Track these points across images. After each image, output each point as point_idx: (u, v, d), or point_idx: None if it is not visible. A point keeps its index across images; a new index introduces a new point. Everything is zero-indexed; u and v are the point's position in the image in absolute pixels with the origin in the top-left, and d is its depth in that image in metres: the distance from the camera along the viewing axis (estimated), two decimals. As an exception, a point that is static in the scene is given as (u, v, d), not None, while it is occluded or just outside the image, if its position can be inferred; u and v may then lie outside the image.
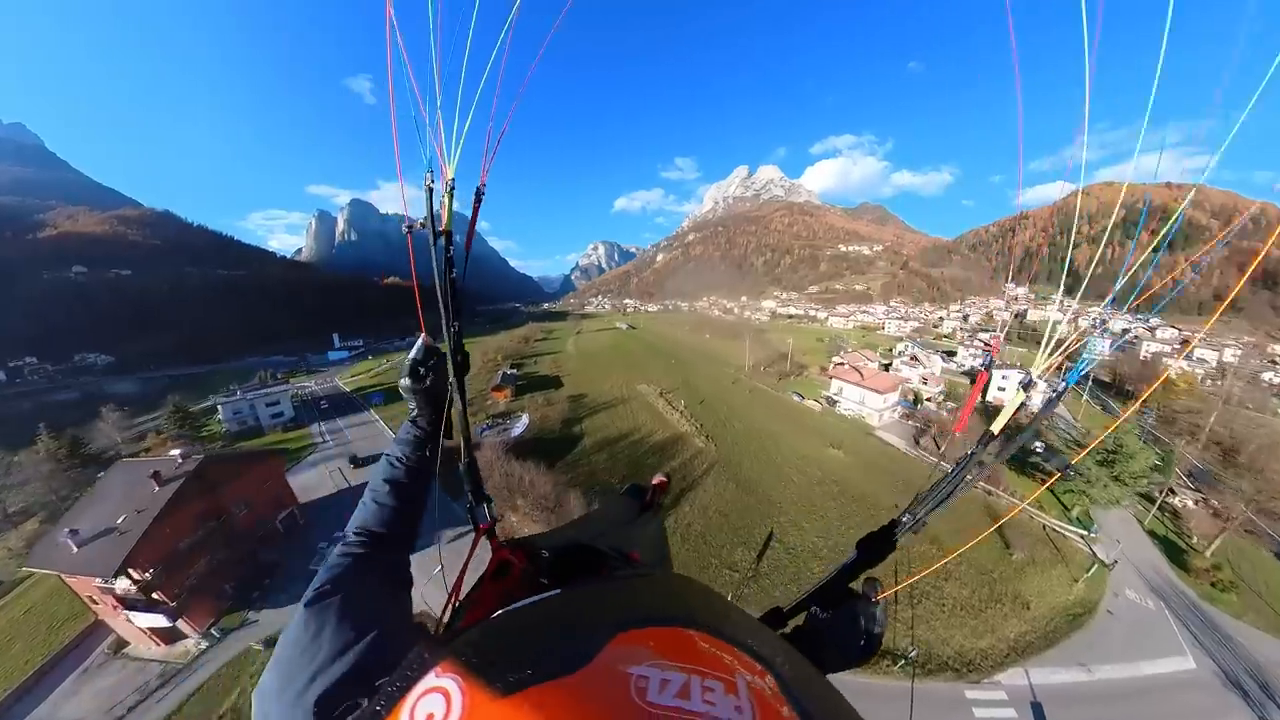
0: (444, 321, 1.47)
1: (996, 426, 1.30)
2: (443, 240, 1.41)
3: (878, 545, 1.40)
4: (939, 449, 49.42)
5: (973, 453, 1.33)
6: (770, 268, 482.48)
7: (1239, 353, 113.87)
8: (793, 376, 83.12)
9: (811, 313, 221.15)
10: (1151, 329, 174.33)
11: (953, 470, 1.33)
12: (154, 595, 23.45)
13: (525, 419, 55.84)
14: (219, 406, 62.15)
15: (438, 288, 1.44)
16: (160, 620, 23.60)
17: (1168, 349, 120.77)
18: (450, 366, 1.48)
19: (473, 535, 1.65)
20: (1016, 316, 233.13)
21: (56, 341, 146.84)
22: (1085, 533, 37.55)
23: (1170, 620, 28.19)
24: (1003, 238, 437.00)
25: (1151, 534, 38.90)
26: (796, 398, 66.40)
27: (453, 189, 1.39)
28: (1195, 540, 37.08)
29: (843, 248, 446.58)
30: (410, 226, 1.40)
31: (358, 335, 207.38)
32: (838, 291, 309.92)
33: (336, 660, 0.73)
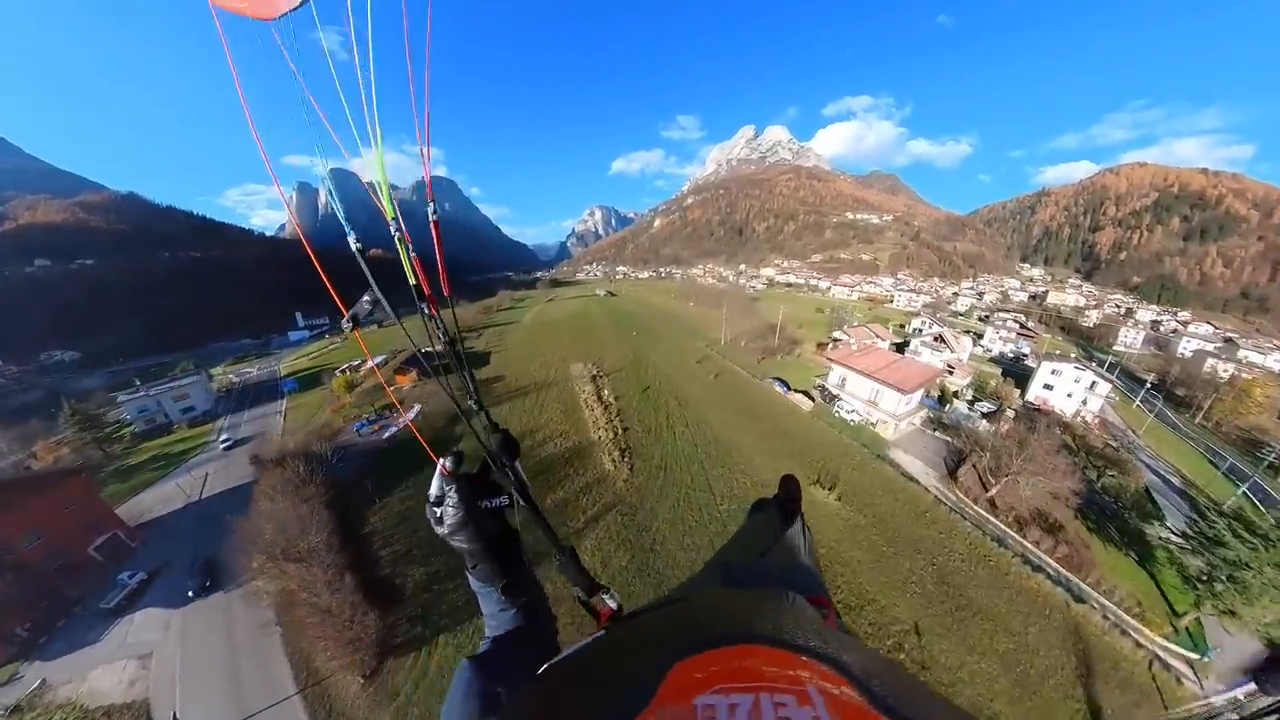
0: (449, 387, 1.18)
1: None
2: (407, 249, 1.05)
3: None
4: (986, 490, 31.89)
5: None
6: (772, 234, 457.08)
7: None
8: (780, 355, 65.09)
9: (813, 282, 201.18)
10: (1184, 323, 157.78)
11: None
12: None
13: (415, 411, 43.74)
14: (122, 405, 54.83)
15: (429, 336, 1.09)
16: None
17: (1208, 345, 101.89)
18: (488, 454, 1.23)
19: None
20: (1034, 298, 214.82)
21: (22, 340, 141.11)
22: (1196, 658, 21.40)
23: None
24: (1021, 214, 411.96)
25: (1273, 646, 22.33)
26: (779, 387, 48.43)
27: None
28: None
29: (850, 215, 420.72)
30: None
31: (324, 312, 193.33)
32: (842, 261, 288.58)
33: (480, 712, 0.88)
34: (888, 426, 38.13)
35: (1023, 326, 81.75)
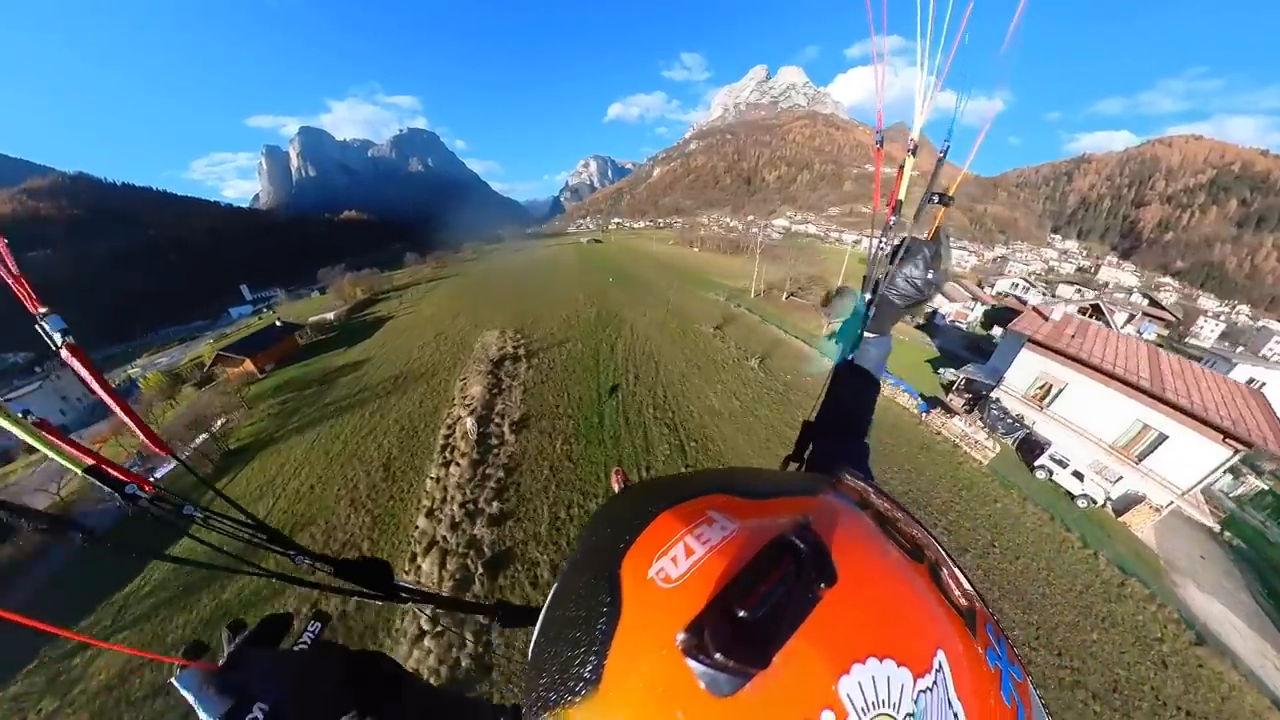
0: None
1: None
2: None
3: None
4: None
5: None
6: (784, 184, 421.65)
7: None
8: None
9: (834, 233, 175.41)
10: (1252, 319, 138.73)
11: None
12: None
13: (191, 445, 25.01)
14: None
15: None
16: None
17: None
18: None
19: None
20: (1080, 271, 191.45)
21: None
22: None
23: None
24: (1055, 181, 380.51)
25: None
26: (907, 395, 23.84)
27: None
28: None
29: (870, 168, 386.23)
30: None
31: (274, 284, 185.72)
32: (863, 215, 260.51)
33: None
34: (1145, 518, 15.81)
35: (1153, 303, 59.62)
